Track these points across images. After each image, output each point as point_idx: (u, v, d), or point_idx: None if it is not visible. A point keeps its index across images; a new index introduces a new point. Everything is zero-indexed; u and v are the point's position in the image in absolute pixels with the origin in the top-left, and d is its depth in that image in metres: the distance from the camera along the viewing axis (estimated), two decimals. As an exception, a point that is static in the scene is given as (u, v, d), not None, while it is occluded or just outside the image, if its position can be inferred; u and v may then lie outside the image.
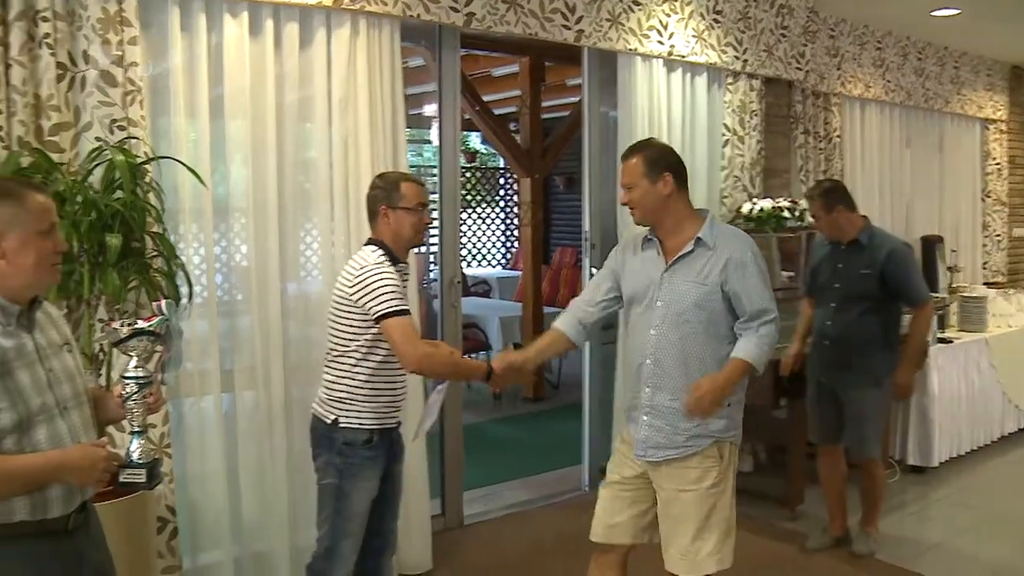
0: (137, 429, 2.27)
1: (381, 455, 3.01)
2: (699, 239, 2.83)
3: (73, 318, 3.17)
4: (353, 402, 2.95)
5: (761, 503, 4.89)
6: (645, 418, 2.88)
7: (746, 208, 5.35)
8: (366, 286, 2.85)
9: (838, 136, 6.26)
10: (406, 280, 3.07)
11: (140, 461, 2.24)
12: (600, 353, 5.29)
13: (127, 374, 2.26)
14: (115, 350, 2.68)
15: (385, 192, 3.03)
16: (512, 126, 8.97)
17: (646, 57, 4.94)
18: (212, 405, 3.62)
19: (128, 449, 2.25)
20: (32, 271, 2.06)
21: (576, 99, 7.82)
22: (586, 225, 5.21)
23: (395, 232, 3.01)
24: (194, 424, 3.63)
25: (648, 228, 2.93)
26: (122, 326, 2.26)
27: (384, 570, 3.22)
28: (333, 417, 2.96)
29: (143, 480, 2.24)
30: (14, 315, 2.06)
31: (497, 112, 8.03)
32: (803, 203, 5.21)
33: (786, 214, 5.27)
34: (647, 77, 4.99)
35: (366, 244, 3.02)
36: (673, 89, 5.14)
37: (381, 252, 2.94)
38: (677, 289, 2.82)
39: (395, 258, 2.98)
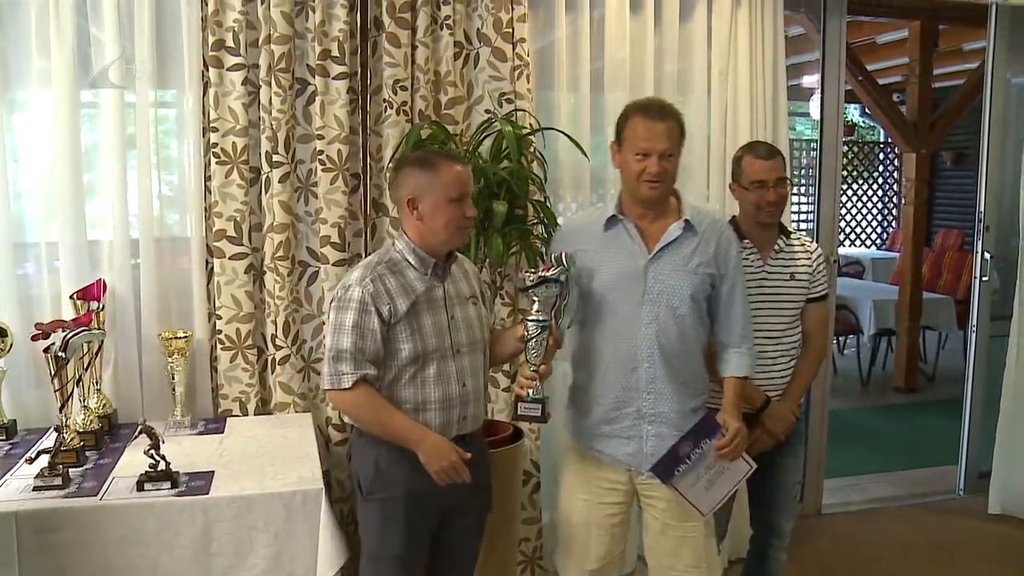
0: (534, 367, 2.45)
1: None
2: (688, 222, 2.49)
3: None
4: None
5: None
6: (650, 428, 2.51)
7: None
8: None
9: None
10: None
11: (536, 396, 2.45)
12: (988, 346, 4.74)
13: (530, 318, 2.44)
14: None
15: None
16: (896, 96, 8.30)
17: (1073, 12, 4.30)
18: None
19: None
20: (443, 232, 2.40)
21: (973, 65, 7.07)
22: (981, 205, 4.68)
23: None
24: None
25: (611, 203, 2.57)
26: (530, 274, 2.43)
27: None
28: None
29: (538, 414, 2.46)
30: (429, 265, 2.43)
31: (881, 82, 7.46)
32: None
33: None
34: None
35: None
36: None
37: None
38: (669, 281, 2.48)
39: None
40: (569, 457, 2.70)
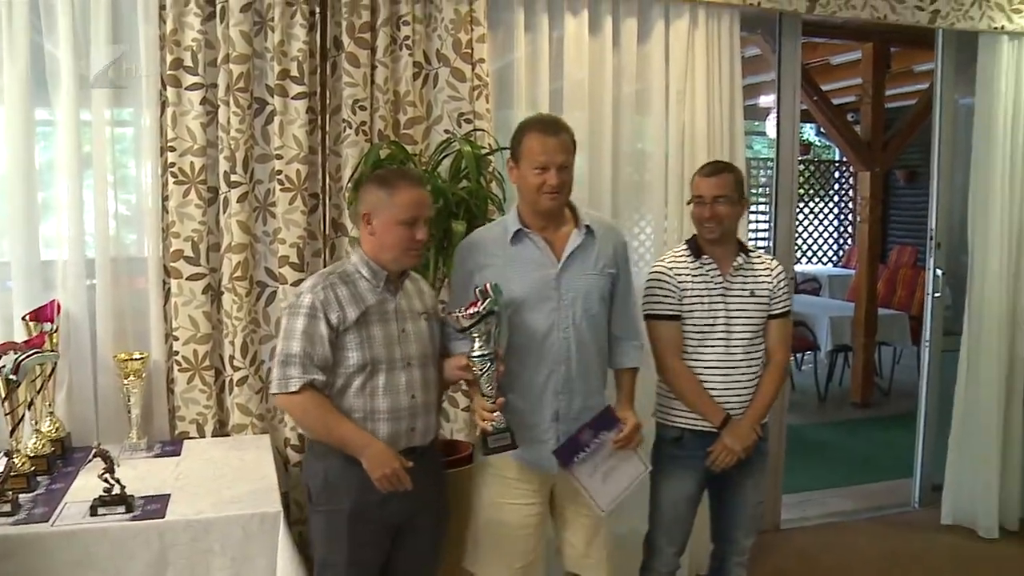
0: (492, 399, 2.49)
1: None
2: (588, 228, 2.63)
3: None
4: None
5: None
6: (563, 427, 2.62)
7: None
8: None
9: None
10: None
11: (502, 427, 2.50)
12: (941, 361, 4.82)
13: (475, 354, 2.48)
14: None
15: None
16: (851, 116, 8.43)
17: (1015, 35, 4.39)
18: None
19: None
20: (391, 250, 2.45)
21: (923, 87, 7.21)
22: (932, 223, 4.76)
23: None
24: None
25: (511, 218, 2.62)
26: (462, 317, 2.45)
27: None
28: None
29: (509, 442, 2.52)
30: (382, 279, 2.48)
31: (835, 102, 7.59)
32: None
33: None
34: (1015, 59, 4.42)
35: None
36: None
37: None
38: (579, 284, 2.60)
39: None
40: (488, 466, 2.70)
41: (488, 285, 2.48)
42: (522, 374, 2.61)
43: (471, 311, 2.44)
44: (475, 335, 2.47)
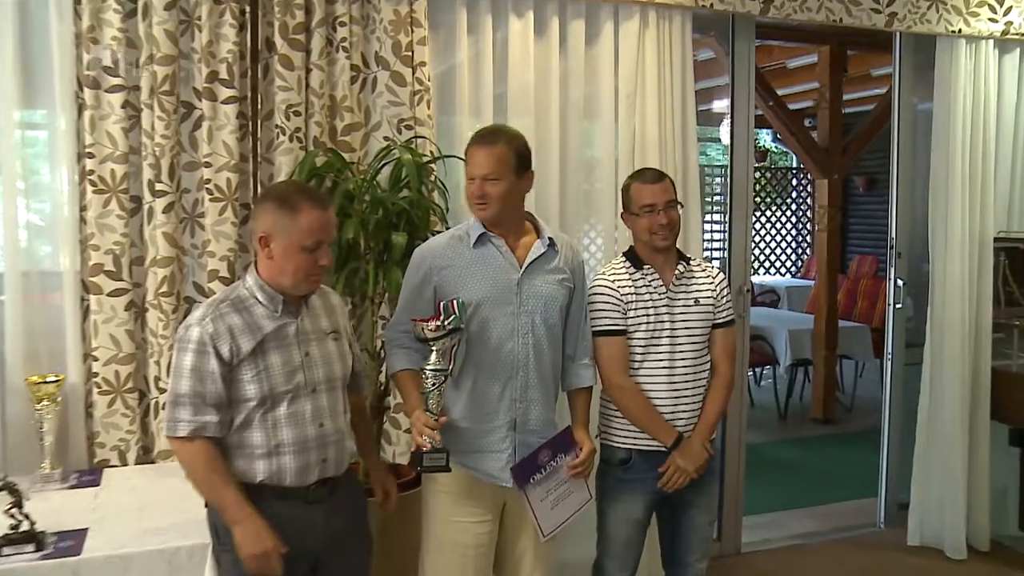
0: (436, 416, 2.51)
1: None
2: (551, 240, 2.74)
3: (357, 314, 3.36)
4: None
5: None
6: (520, 437, 2.66)
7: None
8: None
9: None
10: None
11: (438, 447, 2.49)
12: (904, 374, 4.90)
13: (428, 367, 2.51)
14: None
15: None
16: (807, 122, 8.58)
17: (972, 39, 4.49)
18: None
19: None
20: (291, 276, 2.35)
21: (882, 91, 7.37)
22: (892, 232, 4.84)
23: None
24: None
25: (474, 223, 2.69)
26: (427, 328, 2.49)
27: None
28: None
29: (444, 463, 2.51)
30: (279, 303, 2.38)
31: (791, 107, 7.71)
32: None
33: None
34: (972, 62, 4.52)
35: None
36: (1006, 75, 4.60)
37: None
38: (542, 292, 2.69)
39: None
40: (436, 484, 2.69)
41: (455, 302, 2.50)
42: (478, 380, 2.64)
43: (435, 324, 2.47)
44: (434, 348, 2.49)
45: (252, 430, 2.35)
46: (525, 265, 2.68)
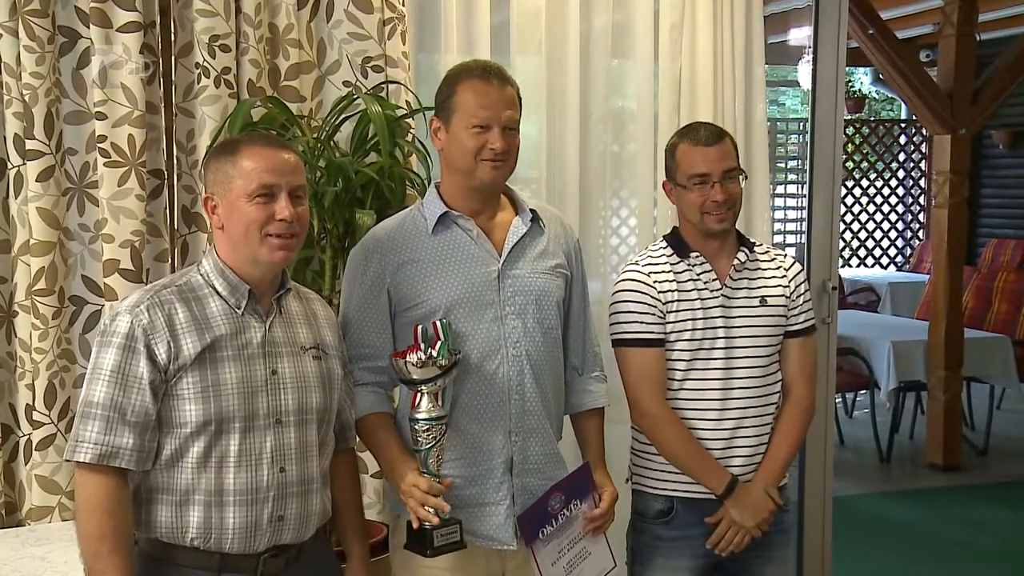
0: (438, 479, 2.50)
1: None
2: (534, 213, 2.75)
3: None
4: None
5: None
6: (517, 480, 2.68)
7: None
8: None
9: None
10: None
11: (447, 517, 2.49)
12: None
13: (420, 416, 2.50)
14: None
15: None
16: (924, 55, 8.59)
17: None
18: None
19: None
20: (242, 241, 2.34)
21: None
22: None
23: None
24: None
25: (431, 201, 2.71)
26: (412, 365, 2.47)
27: None
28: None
29: (459, 538, 2.52)
30: (243, 295, 2.38)
31: (901, 35, 7.69)
32: None
33: None
34: None
35: None
36: None
37: None
38: (531, 285, 2.71)
39: None
40: (408, 554, 2.63)
41: (438, 324, 2.53)
42: (459, 413, 2.62)
43: (416, 356, 2.46)
44: (424, 390, 2.49)
45: (186, 470, 2.31)
46: (506, 252, 2.69)
